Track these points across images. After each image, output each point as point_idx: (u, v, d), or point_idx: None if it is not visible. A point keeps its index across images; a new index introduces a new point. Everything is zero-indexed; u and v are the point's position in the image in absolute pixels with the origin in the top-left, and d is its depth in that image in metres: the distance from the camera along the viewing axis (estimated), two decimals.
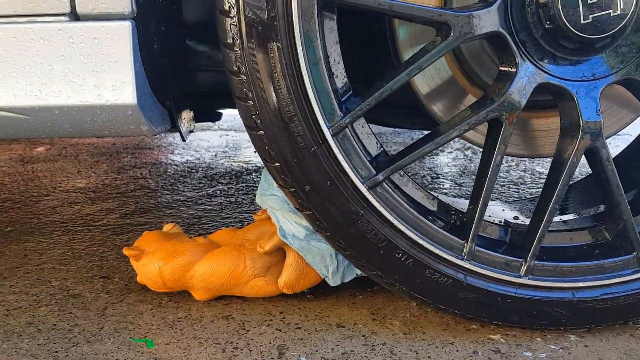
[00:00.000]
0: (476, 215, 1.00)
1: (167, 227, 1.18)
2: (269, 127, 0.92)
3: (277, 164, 0.94)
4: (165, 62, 1.06)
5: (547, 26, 0.92)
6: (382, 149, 1.02)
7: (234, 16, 0.87)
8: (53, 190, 1.95)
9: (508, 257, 1.04)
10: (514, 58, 0.95)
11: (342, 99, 0.96)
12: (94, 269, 1.33)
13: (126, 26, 0.90)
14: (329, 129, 0.93)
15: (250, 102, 0.91)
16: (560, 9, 0.89)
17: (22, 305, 1.15)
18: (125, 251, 1.05)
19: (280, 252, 1.14)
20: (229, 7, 0.87)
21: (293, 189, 0.96)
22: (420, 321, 1.11)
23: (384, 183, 0.98)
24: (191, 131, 1.25)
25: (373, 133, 1.01)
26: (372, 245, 1.00)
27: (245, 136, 2.93)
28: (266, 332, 1.06)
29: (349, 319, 1.11)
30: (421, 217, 1.01)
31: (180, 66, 1.16)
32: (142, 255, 1.08)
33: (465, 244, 1.02)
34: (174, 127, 1.11)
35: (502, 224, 1.11)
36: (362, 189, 0.97)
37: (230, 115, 3.54)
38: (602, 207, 1.14)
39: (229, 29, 0.88)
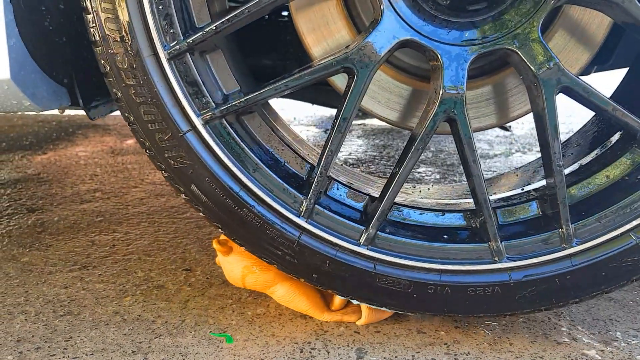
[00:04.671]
0: (485, 213, 0.96)
1: None
2: (248, 240, 0.99)
3: (276, 265, 1.01)
4: (63, 39, 1.10)
5: (447, 2, 0.88)
6: (367, 197, 1.03)
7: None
8: (141, 182, 2.03)
9: (543, 234, 0.98)
10: (433, 52, 0.91)
11: (306, 178, 1.01)
12: (178, 261, 1.36)
13: None
14: (299, 217, 0.97)
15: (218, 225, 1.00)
16: None
17: (109, 294, 1.20)
18: (215, 245, 1.06)
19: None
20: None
21: (301, 279, 1.01)
22: (506, 332, 1.06)
23: (379, 233, 0.99)
24: (112, 111, 1.30)
25: (353, 188, 1.03)
26: (401, 293, 1.00)
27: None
28: (344, 334, 1.04)
29: (429, 324, 1.08)
30: (435, 244, 1.00)
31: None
32: (231, 252, 1.09)
33: (492, 245, 0.98)
34: (76, 105, 1.15)
35: (529, 197, 1.04)
36: (363, 251, 0.99)
37: (311, 110, 3.55)
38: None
39: None
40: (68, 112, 3.37)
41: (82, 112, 3.45)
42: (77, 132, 2.90)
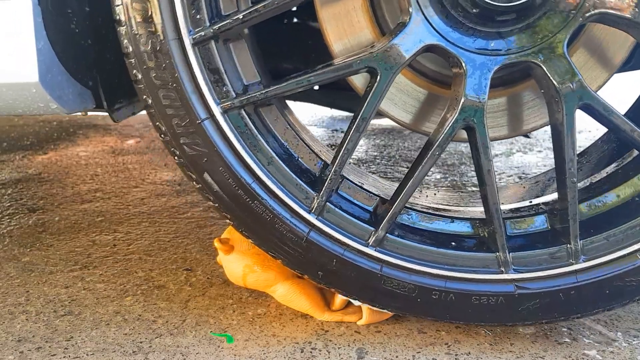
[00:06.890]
0: (495, 223, 0.96)
1: None
2: (256, 233, 0.98)
3: (281, 260, 1.01)
4: (88, 42, 1.09)
5: (475, 11, 0.87)
6: (377, 198, 1.02)
7: None
8: (141, 182, 2.03)
9: (550, 248, 0.98)
10: (457, 59, 0.91)
11: (318, 174, 1.00)
12: (178, 261, 1.36)
13: (27, 4, 0.93)
14: (309, 213, 0.97)
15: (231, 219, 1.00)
16: None
17: (110, 294, 1.20)
18: (216, 244, 1.06)
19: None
20: None
21: (306, 275, 1.01)
22: (507, 332, 1.06)
23: (387, 235, 0.99)
24: (134, 113, 1.30)
25: (362, 187, 1.02)
26: (405, 297, 1.00)
27: (326, 133, 2.92)
28: (345, 334, 1.04)
29: (430, 324, 1.08)
30: (442, 250, 0.99)
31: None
32: (232, 251, 1.09)
33: (500, 255, 0.98)
34: (100, 107, 1.15)
35: (538, 211, 1.04)
36: (370, 252, 0.98)
37: (312, 111, 3.55)
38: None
39: None
40: None
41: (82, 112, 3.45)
42: (77, 132, 2.90)
